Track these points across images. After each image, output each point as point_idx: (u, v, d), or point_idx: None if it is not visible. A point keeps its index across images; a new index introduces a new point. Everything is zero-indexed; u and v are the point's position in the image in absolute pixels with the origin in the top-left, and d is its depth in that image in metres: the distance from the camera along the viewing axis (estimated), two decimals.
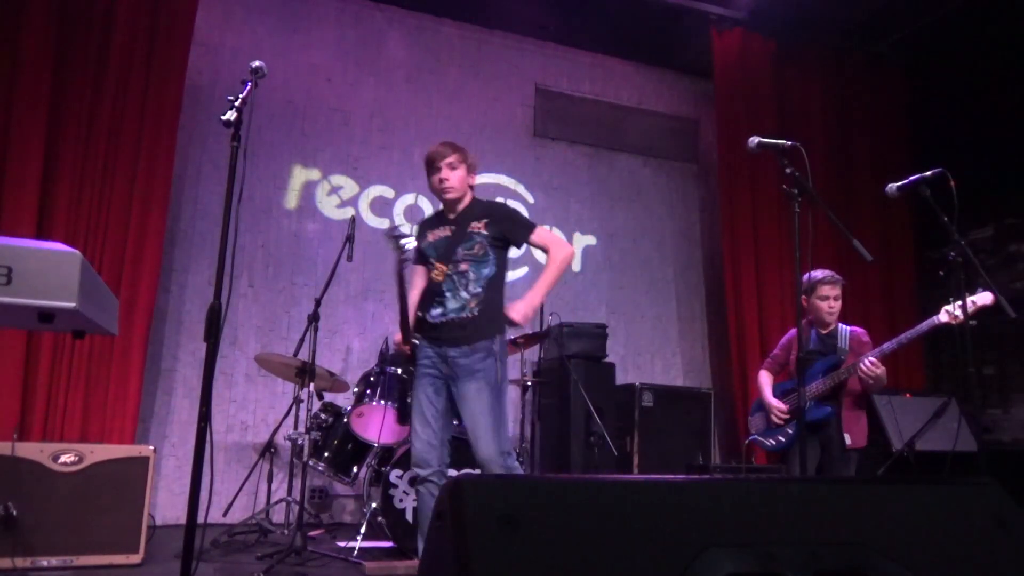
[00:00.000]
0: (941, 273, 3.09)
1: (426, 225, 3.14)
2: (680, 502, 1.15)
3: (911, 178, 3.03)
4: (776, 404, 3.57)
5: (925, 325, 3.25)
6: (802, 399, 2.75)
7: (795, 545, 1.13)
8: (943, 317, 3.19)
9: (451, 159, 2.98)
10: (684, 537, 1.09)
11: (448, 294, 2.88)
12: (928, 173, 3.01)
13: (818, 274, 3.53)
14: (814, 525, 1.18)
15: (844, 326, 3.58)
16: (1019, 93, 5.58)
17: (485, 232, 2.94)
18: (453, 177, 2.98)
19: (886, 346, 3.31)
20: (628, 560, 1.05)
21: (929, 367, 6.13)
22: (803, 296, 3.59)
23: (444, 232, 3.00)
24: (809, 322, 3.62)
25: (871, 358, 3.28)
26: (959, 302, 3.09)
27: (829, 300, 3.51)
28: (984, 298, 3.10)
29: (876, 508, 1.23)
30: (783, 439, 3.52)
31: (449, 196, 2.99)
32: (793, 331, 3.74)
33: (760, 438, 3.65)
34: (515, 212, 3.16)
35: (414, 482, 3.69)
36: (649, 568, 1.05)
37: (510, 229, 2.99)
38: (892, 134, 6.44)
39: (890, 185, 3.12)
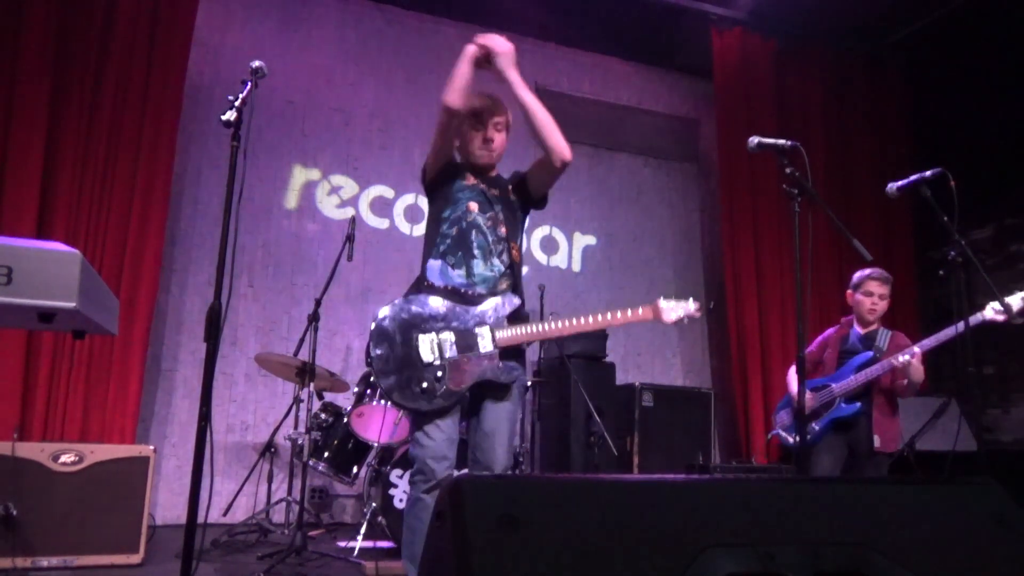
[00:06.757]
0: (941, 273, 3.09)
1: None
2: (680, 502, 1.15)
3: (911, 178, 3.03)
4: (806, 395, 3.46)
5: (971, 322, 3.11)
6: (800, 399, 2.74)
7: (795, 545, 1.13)
8: (988, 314, 3.10)
9: (501, 119, 2.51)
10: (684, 537, 1.09)
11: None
12: (928, 173, 3.00)
13: (868, 270, 3.46)
14: (814, 525, 1.18)
15: (886, 329, 3.50)
16: (1019, 93, 5.58)
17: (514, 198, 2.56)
18: (500, 143, 2.52)
19: (926, 342, 3.20)
20: (628, 560, 1.05)
21: (929, 367, 6.11)
22: (848, 291, 3.55)
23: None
24: (850, 321, 3.57)
25: (906, 351, 3.19)
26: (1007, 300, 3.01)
27: (873, 297, 3.45)
28: None
29: (876, 508, 1.23)
30: (808, 435, 3.39)
31: (487, 162, 2.54)
32: (829, 330, 3.67)
33: (783, 433, 3.54)
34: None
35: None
36: (649, 568, 1.05)
37: (521, 180, 2.58)
38: (892, 134, 6.44)
39: (890, 185, 3.12)
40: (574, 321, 2.43)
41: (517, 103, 2.43)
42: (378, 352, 2.33)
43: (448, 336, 2.34)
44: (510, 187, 2.57)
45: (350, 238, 4.18)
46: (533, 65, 6.28)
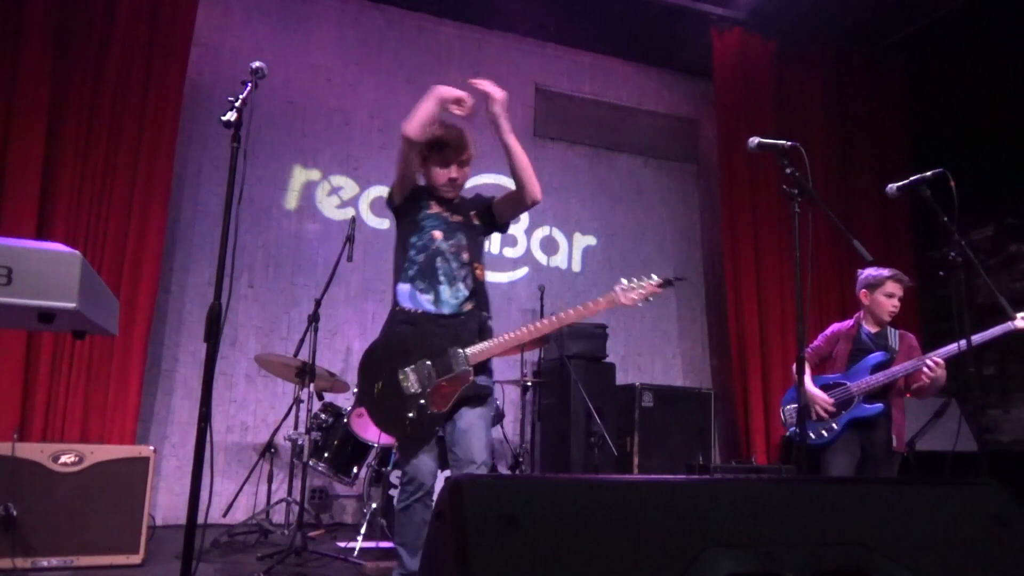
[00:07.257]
0: (941, 273, 3.09)
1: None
2: (680, 502, 1.15)
3: (911, 178, 3.03)
4: (821, 396, 3.33)
5: (999, 330, 3.12)
6: (801, 399, 2.74)
7: (795, 545, 1.13)
8: (1020, 324, 3.10)
9: (466, 156, 2.69)
10: (684, 537, 1.09)
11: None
12: (928, 173, 3.00)
13: (885, 272, 3.40)
14: (814, 525, 1.18)
15: (892, 328, 3.48)
16: (1019, 93, 5.57)
17: (477, 223, 2.73)
18: (463, 177, 2.71)
19: (952, 347, 3.17)
20: (628, 560, 1.05)
21: None
22: (863, 291, 3.47)
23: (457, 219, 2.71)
24: (858, 320, 3.51)
25: (935, 357, 3.17)
26: None
27: (895, 298, 3.40)
28: None
29: (876, 508, 1.23)
30: (825, 433, 3.33)
31: (450, 197, 2.72)
32: (837, 325, 3.60)
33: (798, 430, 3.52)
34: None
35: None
36: (649, 568, 1.05)
37: (487, 208, 2.75)
38: (892, 134, 6.43)
39: (890, 185, 3.12)
40: (537, 324, 2.58)
41: (503, 144, 2.62)
42: (366, 390, 2.55)
43: (426, 363, 2.52)
44: (473, 212, 2.73)
45: (350, 238, 4.18)
46: (533, 65, 6.29)
